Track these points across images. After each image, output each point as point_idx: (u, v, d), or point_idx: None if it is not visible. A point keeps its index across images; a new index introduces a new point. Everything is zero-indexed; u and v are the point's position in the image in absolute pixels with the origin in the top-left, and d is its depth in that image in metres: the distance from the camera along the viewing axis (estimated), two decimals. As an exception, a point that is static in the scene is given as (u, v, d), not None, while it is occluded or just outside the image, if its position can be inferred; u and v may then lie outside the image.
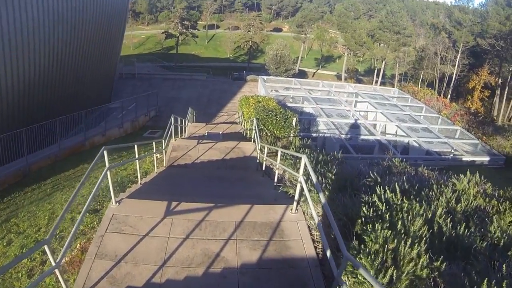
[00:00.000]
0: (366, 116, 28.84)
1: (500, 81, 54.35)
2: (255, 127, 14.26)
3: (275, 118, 15.44)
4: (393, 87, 45.07)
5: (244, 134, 19.45)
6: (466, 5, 59.99)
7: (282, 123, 15.43)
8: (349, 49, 72.37)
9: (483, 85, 55.36)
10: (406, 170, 10.35)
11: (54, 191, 13.41)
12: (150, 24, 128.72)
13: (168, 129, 14.09)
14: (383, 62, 68.93)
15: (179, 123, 17.74)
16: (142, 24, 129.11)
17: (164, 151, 13.09)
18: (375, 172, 8.04)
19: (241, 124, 22.92)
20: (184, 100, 36.77)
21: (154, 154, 11.33)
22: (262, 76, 33.54)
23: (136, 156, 9.34)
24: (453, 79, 59.72)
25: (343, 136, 22.35)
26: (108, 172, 6.93)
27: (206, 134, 20.97)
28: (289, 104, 25.86)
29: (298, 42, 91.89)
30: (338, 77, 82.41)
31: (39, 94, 22.74)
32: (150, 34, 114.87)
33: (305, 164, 6.42)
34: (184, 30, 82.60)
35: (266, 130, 15.62)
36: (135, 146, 9.58)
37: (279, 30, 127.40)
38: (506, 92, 52.98)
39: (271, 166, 11.53)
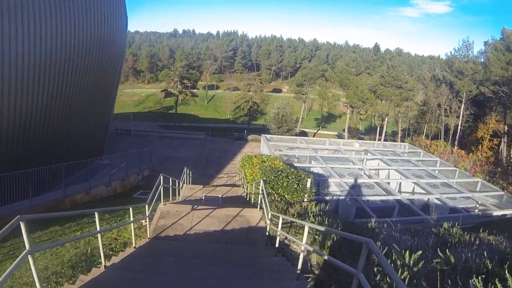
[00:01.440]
0: (377, 173, 26.36)
1: (506, 128, 52.52)
2: (262, 190, 11.77)
3: (286, 180, 12.88)
4: (392, 142, 43.55)
5: (247, 199, 16.89)
6: (465, 54, 58.56)
7: (295, 186, 12.85)
8: (351, 106, 70.85)
9: (491, 133, 53.68)
10: (462, 238, 8.03)
11: (6, 258, 10.63)
12: (150, 82, 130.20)
13: (155, 191, 11.42)
14: (386, 119, 67.58)
15: (171, 184, 15.11)
16: (142, 82, 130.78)
17: (147, 218, 10.37)
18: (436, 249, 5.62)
19: (243, 187, 20.41)
20: (181, 160, 34.26)
21: (131, 224, 8.72)
22: (265, 135, 31.26)
23: (98, 228, 6.79)
24: (459, 130, 58.12)
25: (360, 197, 19.70)
26: (31, 259, 4.41)
27: (203, 197, 18.41)
28: (295, 164, 23.41)
29: (299, 102, 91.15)
30: (339, 137, 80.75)
31: (14, 137, 20.61)
32: (150, 93, 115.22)
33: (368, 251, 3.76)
34: (184, 90, 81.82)
35: (275, 194, 13.05)
36: (96, 214, 7.04)
37: (279, 90, 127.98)
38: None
39: (287, 242, 8.86)
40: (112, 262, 7.35)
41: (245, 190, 18.63)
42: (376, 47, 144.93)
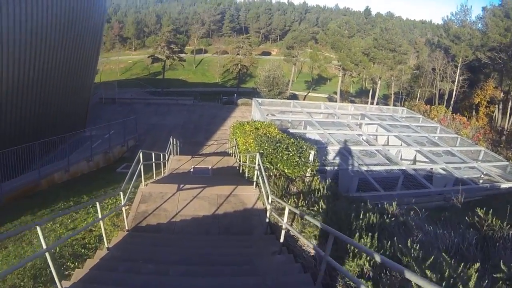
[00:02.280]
0: (376, 139, 24.74)
1: (501, 95, 51.69)
2: (259, 165, 10.08)
3: (286, 152, 11.11)
4: (388, 106, 41.99)
5: (240, 171, 15.23)
6: (463, 18, 56.89)
7: (297, 160, 11.11)
8: (343, 69, 68.85)
9: (488, 99, 52.49)
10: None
11: None
12: (137, 49, 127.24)
13: (133, 171, 9.68)
14: (379, 82, 65.89)
15: (153, 159, 13.35)
16: (129, 49, 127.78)
17: (123, 208, 8.67)
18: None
19: (234, 156, 18.74)
20: (168, 127, 32.49)
21: (101, 221, 7.04)
22: (257, 99, 29.31)
23: (43, 244, 4.91)
24: (453, 96, 56.67)
25: (362, 168, 18.03)
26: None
27: (191, 170, 16.77)
28: (290, 130, 21.68)
29: (289, 64, 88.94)
30: (330, 100, 79.48)
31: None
32: (137, 60, 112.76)
33: None
34: (171, 54, 79.46)
35: (274, 170, 11.32)
36: (38, 229, 5.03)
37: (268, 53, 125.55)
38: (510, 105, 49.68)
39: (292, 233, 7.16)
40: (73, 281, 5.56)
41: (238, 160, 17.01)
42: (367, 10, 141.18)
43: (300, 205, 8.58)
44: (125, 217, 8.70)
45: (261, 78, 58.82)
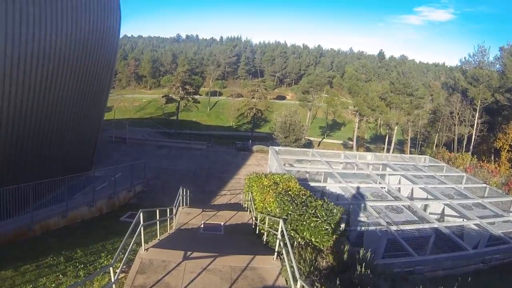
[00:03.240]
0: (399, 191, 22.87)
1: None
2: (282, 233, 8.55)
3: (315, 219, 9.40)
4: (404, 153, 40.08)
5: (257, 231, 13.51)
6: (481, 59, 55.81)
7: (326, 227, 9.38)
8: (360, 114, 67.59)
9: (511, 143, 49.82)
10: None
11: None
12: (152, 88, 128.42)
13: (129, 236, 8.11)
14: (396, 127, 64.60)
15: (158, 217, 11.68)
16: (144, 88, 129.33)
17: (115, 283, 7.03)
18: None
19: (250, 212, 17.05)
20: (179, 173, 30.88)
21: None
22: (274, 147, 27.79)
23: None
24: (473, 140, 54.65)
25: (391, 227, 16.14)
26: None
27: (201, 226, 15.07)
28: (310, 183, 20.04)
29: (304, 109, 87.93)
30: (345, 146, 78.39)
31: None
32: (151, 99, 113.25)
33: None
34: (186, 95, 79.18)
35: (299, 238, 9.60)
36: None
37: (283, 97, 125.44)
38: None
39: None
40: None
41: (253, 217, 15.31)
42: (381, 54, 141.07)
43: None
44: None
45: (277, 124, 57.34)
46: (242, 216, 17.03)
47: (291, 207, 9.99)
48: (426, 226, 16.85)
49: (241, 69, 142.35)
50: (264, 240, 11.70)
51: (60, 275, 9.44)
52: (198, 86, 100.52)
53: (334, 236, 9.63)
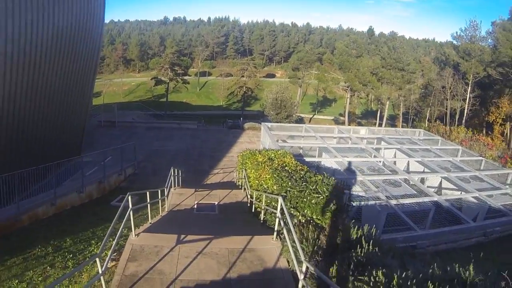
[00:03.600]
0: (394, 165, 22.41)
1: (513, 111, 49.74)
2: (282, 211, 8.01)
3: (316, 195, 8.75)
4: (404, 128, 39.78)
5: (253, 209, 12.93)
6: (473, 34, 55.38)
7: (329, 203, 8.72)
8: (351, 89, 66.97)
9: (503, 117, 49.86)
10: None
11: None
12: (141, 71, 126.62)
13: (118, 219, 7.51)
14: (387, 102, 64.52)
15: (148, 200, 11.00)
16: (133, 71, 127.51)
17: (102, 277, 6.35)
18: None
19: (244, 190, 16.47)
20: (171, 154, 30.18)
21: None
22: (266, 123, 27.12)
23: None
24: (465, 114, 54.64)
25: (391, 201, 15.59)
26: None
27: (195, 206, 14.47)
28: (306, 159, 19.47)
29: (294, 86, 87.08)
30: (336, 121, 77.97)
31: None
32: (140, 82, 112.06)
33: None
34: (175, 77, 78.17)
35: (299, 216, 8.96)
36: None
37: (273, 75, 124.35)
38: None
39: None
40: None
41: (248, 195, 14.73)
42: (371, 30, 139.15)
43: (342, 270, 6.32)
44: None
45: (268, 101, 56.52)
46: (236, 194, 16.46)
47: (289, 183, 9.37)
48: (426, 199, 16.47)
49: (230, 49, 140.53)
50: (261, 219, 11.12)
51: (48, 267, 8.90)
52: (187, 67, 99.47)
53: (336, 213, 9.04)
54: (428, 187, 19.04)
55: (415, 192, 17.23)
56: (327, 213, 8.60)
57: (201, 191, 16.56)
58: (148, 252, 7.96)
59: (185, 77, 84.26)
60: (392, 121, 76.09)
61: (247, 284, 7.07)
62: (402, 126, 64.87)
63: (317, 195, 8.66)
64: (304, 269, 5.88)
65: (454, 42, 60.46)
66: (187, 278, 7.10)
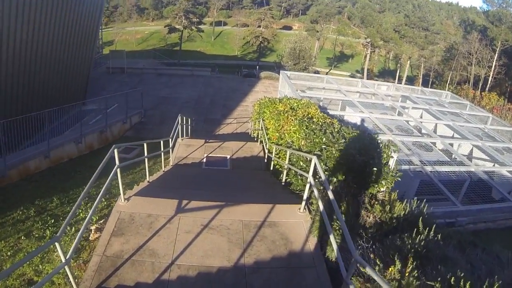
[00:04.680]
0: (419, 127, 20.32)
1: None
2: (317, 178, 6.06)
3: (361, 158, 6.62)
4: (430, 89, 37.57)
5: (271, 167, 11.00)
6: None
7: (375, 167, 6.67)
8: (372, 45, 63.96)
9: None
10: None
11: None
12: (155, 20, 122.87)
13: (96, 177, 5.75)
14: (408, 62, 62.50)
15: (145, 153, 8.93)
16: (147, 20, 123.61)
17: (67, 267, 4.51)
18: None
19: (260, 143, 14.55)
20: (180, 101, 28.22)
21: None
22: (285, 72, 24.94)
23: None
24: (489, 81, 52.71)
25: (426, 167, 13.57)
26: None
27: (204, 160, 12.59)
28: (328, 112, 17.40)
29: (312, 39, 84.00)
30: (353, 78, 74.95)
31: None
32: (154, 30, 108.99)
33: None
34: (189, 25, 75.73)
35: (336, 182, 6.88)
36: None
37: (289, 28, 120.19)
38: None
39: None
40: None
41: (265, 148, 12.88)
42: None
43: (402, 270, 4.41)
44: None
45: (286, 50, 53.81)
46: (251, 147, 14.47)
47: (323, 139, 7.34)
48: (462, 169, 14.43)
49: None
50: (283, 180, 9.18)
51: (23, 237, 7.26)
52: (202, 16, 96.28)
53: (383, 181, 7.03)
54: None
55: (448, 159, 15.25)
56: (374, 181, 6.62)
57: (211, 143, 14.58)
58: (139, 224, 6.07)
59: (200, 26, 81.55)
60: (410, 82, 73.32)
61: (267, 275, 5.20)
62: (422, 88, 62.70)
63: (362, 157, 6.64)
64: (353, 266, 3.99)
65: (485, 5, 57.40)
66: (187, 263, 5.25)
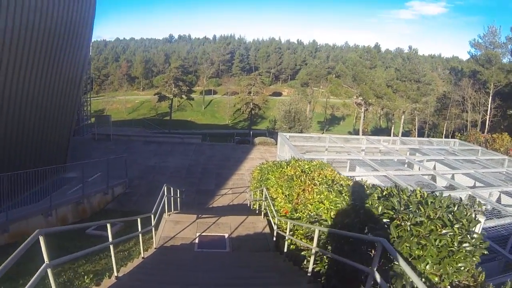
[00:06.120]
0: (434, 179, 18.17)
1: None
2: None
3: (442, 230, 4.10)
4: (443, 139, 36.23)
5: (286, 248, 8.33)
6: (492, 40, 52.41)
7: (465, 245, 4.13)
8: (365, 103, 63.09)
9: None
10: None
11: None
12: (145, 89, 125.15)
13: None
14: (402, 116, 63.07)
15: (110, 238, 6.39)
16: (137, 89, 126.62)
17: None
18: None
19: (264, 216, 12.03)
20: (170, 171, 25.80)
21: None
22: (284, 133, 22.84)
23: None
24: (487, 125, 51.69)
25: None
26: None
27: (196, 242, 10.03)
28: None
29: (303, 103, 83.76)
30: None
31: None
32: (144, 99, 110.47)
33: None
34: (179, 91, 75.09)
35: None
36: None
37: (279, 94, 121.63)
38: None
39: None
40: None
41: (273, 223, 10.08)
42: (377, 47, 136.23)
43: None
44: None
45: (281, 113, 52.22)
46: (254, 223, 11.85)
47: (391, 207, 4.80)
48: (508, 220, 12.12)
49: (236, 67, 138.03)
50: (309, 269, 6.52)
51: None
52: (192, 84, 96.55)
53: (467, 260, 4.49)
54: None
55: (489, 212, 12.95)
56: (458, 265, 4.13)
57: (205, 218, 11.94)
58: None
59: (190, 95, 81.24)
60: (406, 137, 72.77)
61: None
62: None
63: (446, 229, 4.17)
64: None
65: (473, 49, 57.23)
66: None
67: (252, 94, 78.14)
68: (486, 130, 50.11)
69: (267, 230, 11.09)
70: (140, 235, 8.21)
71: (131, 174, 22.91)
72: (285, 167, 10.60)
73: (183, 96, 77.74)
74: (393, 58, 73.50)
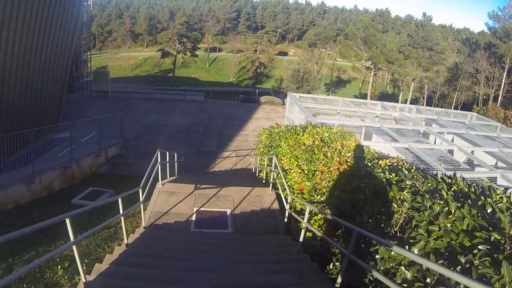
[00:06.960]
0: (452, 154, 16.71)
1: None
2: None
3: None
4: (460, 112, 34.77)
5: (302, 235, 6.58)
6: None
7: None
8: (375, 67, 60.85)
9: None
10: None
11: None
12: (149, 46, 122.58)
13: None
14: (412, 84, 61.05)
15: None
16: (141, 46, 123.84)
17: None
18: None
19: (274, 189, 10.38)
20: (169, 130, 24.21)
21: None
22: (293, 94, 21.17)
23: None
24: (499, 101, 50.22)
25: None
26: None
27: (193, 219, 8.49)
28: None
29: (310, 63, 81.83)
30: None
31: None
32: (148, 56, 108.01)
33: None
34: (183, 48, 72.98)
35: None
36: None
37: (285, 54, 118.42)
38: None
39: None
40: None
41: (284, 200, 8.35)
42: (387, 11, 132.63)
43: None
44: None
45: (288, 72, 50.20)
46: (260, 196, 10.16)
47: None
48: None
49: (242, 25, 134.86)
50: (338, 280, 4.78)
51: None
52: (197, 40, 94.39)
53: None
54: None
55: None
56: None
57: (204, 189, 10.32)
58: None
59: (194, 52, 79.15)
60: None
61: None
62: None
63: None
64: None
65: (491, 22, 54.70)
66: None
67: (258, 53, 76.55)
68: (498, 105, 48.74)
69: (275, 205, 9.52)
70: (123, 217, 6.67)
71: (127, 134, 21.47)
72: (301, 134, 8.95)
73: (187, 53, 76.19)
74: (403, 24, 70.35)
